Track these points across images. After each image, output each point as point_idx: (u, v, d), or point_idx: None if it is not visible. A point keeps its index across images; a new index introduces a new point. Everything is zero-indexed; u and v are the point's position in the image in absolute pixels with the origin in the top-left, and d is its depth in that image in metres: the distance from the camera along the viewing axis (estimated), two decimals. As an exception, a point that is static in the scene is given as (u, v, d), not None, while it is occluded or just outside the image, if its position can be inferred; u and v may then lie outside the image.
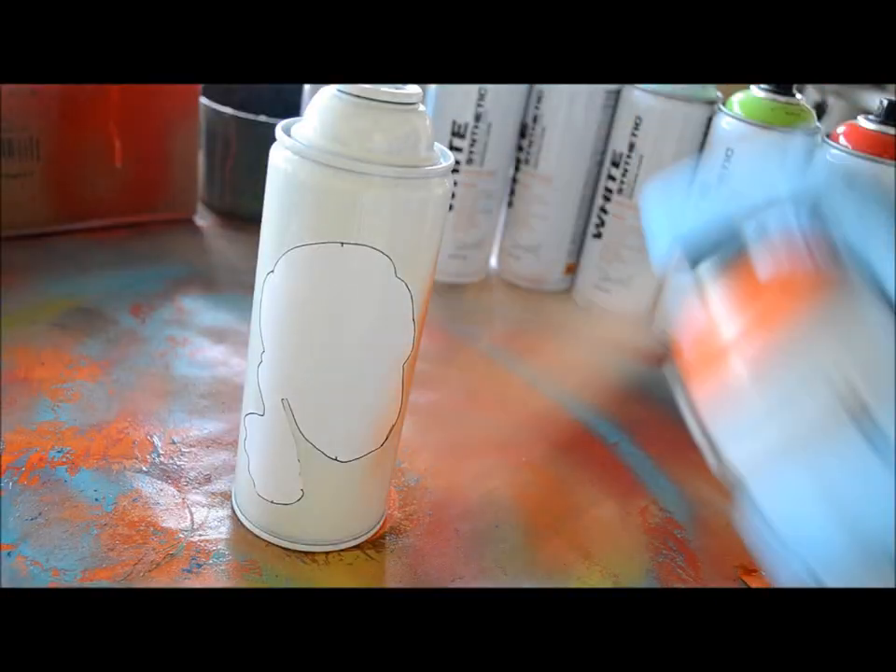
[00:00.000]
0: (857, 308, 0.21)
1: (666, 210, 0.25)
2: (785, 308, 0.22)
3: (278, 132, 0.32)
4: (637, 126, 0.64)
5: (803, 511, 0.22)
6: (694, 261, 0.25)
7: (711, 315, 0.24)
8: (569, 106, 0.65)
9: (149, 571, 0.35)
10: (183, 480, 0.41)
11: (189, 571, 0.36)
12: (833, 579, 0.21)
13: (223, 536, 0.38)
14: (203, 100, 0.71)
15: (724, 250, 0.24)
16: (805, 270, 0.23)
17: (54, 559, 0.35)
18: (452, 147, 0.65)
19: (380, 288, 0.33)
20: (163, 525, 0.38)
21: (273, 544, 0.38)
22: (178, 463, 0.42)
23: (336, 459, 0.36)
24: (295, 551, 0.38)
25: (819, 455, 0.22)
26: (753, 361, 0.22)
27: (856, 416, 0.21)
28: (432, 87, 0.65)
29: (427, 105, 0.64)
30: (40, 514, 0.37)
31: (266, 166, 0.33)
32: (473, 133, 0.65)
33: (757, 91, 0.59)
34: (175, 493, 0.40)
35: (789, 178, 0.23)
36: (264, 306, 0.34)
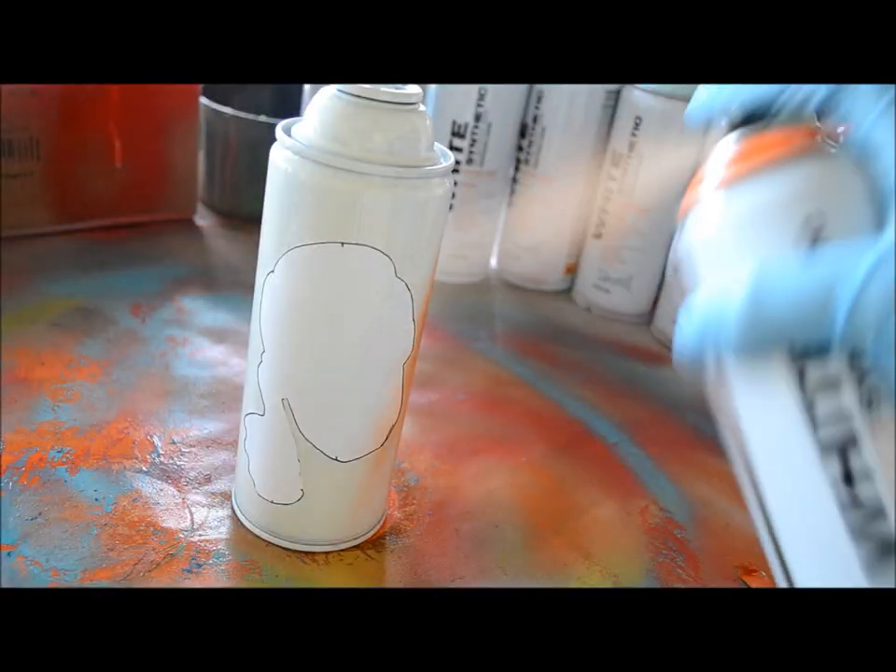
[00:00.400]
0: (841, 167, 0.24)
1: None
2: (770, 152, 0.24)
3: (278, 132, 0.32)
4: (636, 126, 0.64)
5: (727, 281, 0.23)
6: (733, 125, 0.26)
7: (711, 166, 0.25)
8: (569, 106, 0.65)
9: (149, 571, 0.35)
10: (183, 480, 0.41)
11: (189, 571, 0.36)
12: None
13: (223, 536, 0.38)
14: (203, 100, 0.71)
15: (753, 122, 0.26)
16: (806, 136, 0.25)
17: (54, 559, 0.35)
18: (452, 147, 0.65)
19: (380, 288, 0.33)
20: (163, 524, 0.38)
21: (273, 544, 0.38)
22: (178, 463, 0.42)
23: (336, 459, 0.36)
24: (295, 551, 0.38)
25: (764, 241, 0.23)
26: (729, 182, 0.24)
27: (815, 240, 0.23)
28: (432, 87, 0.65)
29: (427, 105, 0.64)
30: (40, 514, 0.37)
31: (266, 166, 0.33)
32: (473, 133, 0.65)
33: (757, 91, 0.59)
34: (175, 493, 0.40)
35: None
36: (264, 306, 0.34)
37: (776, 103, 0.26)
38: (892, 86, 0.24)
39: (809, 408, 0.22)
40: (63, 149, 0.61)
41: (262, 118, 0.70)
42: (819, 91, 0.25)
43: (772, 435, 0.23)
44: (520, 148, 0.69)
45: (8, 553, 0.34)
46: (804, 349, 0.22)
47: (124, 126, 0.64)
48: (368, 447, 0.36)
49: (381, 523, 0.40)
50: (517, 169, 0.70)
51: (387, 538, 0.40)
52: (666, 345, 0.66)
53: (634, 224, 0.66)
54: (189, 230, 0.71)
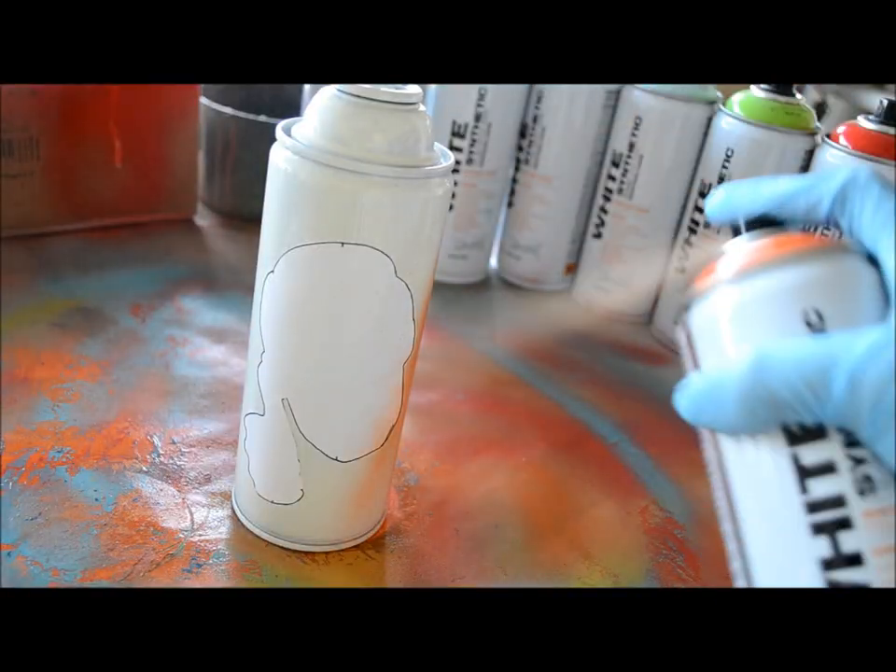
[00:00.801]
0: (847, 264, 0.24)
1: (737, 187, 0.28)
2: (780, 248, 0.25)
3: (278, 132, 0.32)
4: (636, 126, 0.64)
5: (726, 358, 0.25)
6: (737, 231, 0.27)
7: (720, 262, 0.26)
8: (569, 106, 0.65)
9: (149, 571, 0.35)
10: (183, 480, 0.41)
11: (189, 571, 0.36)
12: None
13: (223, 536, 0.38)
14: (203, 100, 0.71)
15: (765, 228, 0.26)
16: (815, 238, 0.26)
17: (54, 559, 0.35)
18: (452, 147, 0.65)
19: (380, 288, 0.33)
20: (163, 524, 0.38)
21: (273, 544, 0.38)
22: (178, 463, 0.42)
23: (336, 459, 0.36)
24: (295, 551, 0.38)
25: (762, 325, 0.24)
26: (735, 275, 0.25)
27: (811, 324, 0.23)
28: (432, 87, 0.65)
29: (427, 105, 0.64)
30: (40, 514, 0.37)
31: (266, 166, 0.33)
32: (473, 133, 0.65)
33: (757, 91, 0.59)
34: (175, 493, 0.40)
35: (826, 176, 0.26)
36: (264, 306, 0.34)
37: (788, 206, 0.26)
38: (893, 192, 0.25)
39: (805, 490, 0.22)
40: (63, 149, 0.61)
41: (262, 118, 0.70)
42: (827, 195, 0.25)
43: (765, 509, 0.24)
44: (520, 148, 0.69)
45: (8, 553, 0.34)
46: (799, 431, 0.23)
47: (124, 126, 0.64)
48: (368, 447, 0.36)
49: (381, 523, 0.40)
50: (517, 169, 0.70)
51: (387, 538, 0.40)
52: (666, 345, 0.66)
53: (634, 224, 0.66)
54: (189, 230, 0.71)
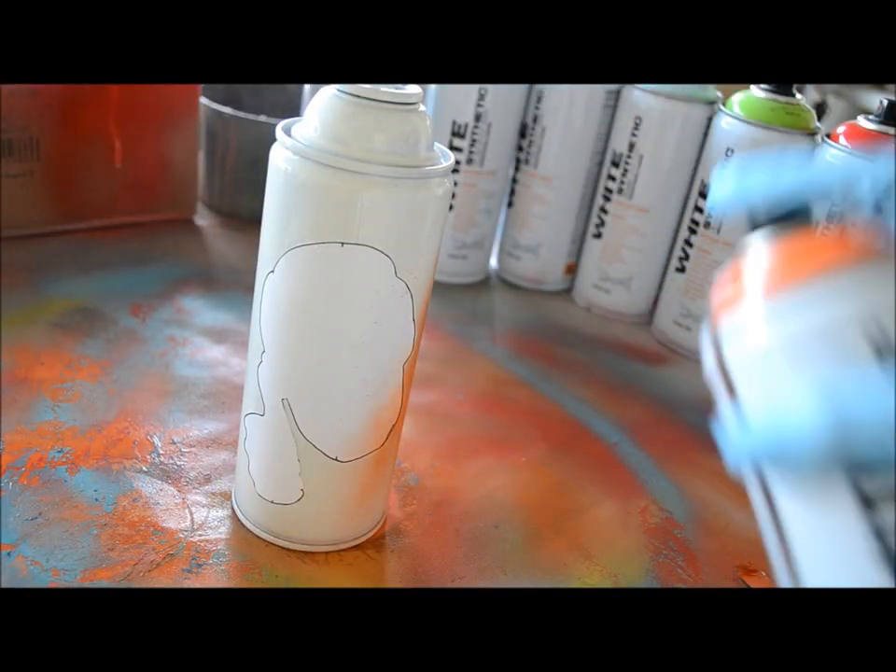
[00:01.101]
0: None
1: (745, 172, 0.24)
2: (821, 257, 0.22)
3: (278, 132, 0.32)
4: (636, 126, 0.64)
5: (788, 401, 0.21)
6: (756, 224, 0.24)
7: (746, 267, 0.24)
8: (569, 106, 0.65)
9: (149, 571, 0.35)
10: (183, 480, 0.41)
11: (189, 571, 0.36)
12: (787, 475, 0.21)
13: (223, 536, 0.38)
14: (203, 100, 0.71)
15: (789, 221, 0.24)
16: (856, 238, 0.23)
17: (54, 559, 0.35)
18: (452, 147, 0.65)
19: (380, 288, 0.33)
20: (163, 524, 0.38)
21: (273, 544, 0.38)
22: (178, 463, 0.42)
23: (336, 459, 0.36)
24: (295, 551, 0.38)
25: (824, 360, 0.21)
26: (773, 294, 0.22)
27: (881, 352, 0.20)
28: (432, 87, 0.65)
29: (427, 105, 0.64)
30: (40, 514, 0.37)
31: (266, 166, 0.33)
32: (473, 133, 0.65)
33: (757, 91, 0.59)
34: (175, 493, 0.40)
35: (869, 171, 0.23)
36: (264, 306, 0.34)
37: (819, 198, 0.24)
38: None
39: (868, 518, 0.20)
40: (63, 149, 0.61)
41: (262, 118, 0.70)
42: (872, 189, 0.22)
43: (825, 541, 0.22)
44: (520, 148, 0.69)
45: (8, 553, 0.34)
46: (862, 462, 0.20)
47: (124, 126, 0.64)
48: (368, 447, 0.36)
49: (381, 523, 0.40)
50: (517, 169, 0.70)
51: (387, 538, 0.40)
52: (666, 345, 0.66)
53: (634, 224, 0.66)
54: (189, 230, 0.71)
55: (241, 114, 0.70)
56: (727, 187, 0.24)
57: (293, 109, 0.78)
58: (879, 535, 0.20)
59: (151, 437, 0.44)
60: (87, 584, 0.34)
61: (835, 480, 0.21)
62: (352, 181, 0.31)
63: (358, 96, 0.31)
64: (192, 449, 0.43)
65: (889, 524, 0.20)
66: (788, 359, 0.22)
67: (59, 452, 0.41)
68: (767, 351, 0.22)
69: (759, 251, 0.24)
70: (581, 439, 0.51)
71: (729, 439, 0.22)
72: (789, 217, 0.24)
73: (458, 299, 0.67)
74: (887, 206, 0.22)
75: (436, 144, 0.34)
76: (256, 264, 0.35)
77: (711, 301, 0.24)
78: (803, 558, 0.22)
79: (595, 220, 0.68)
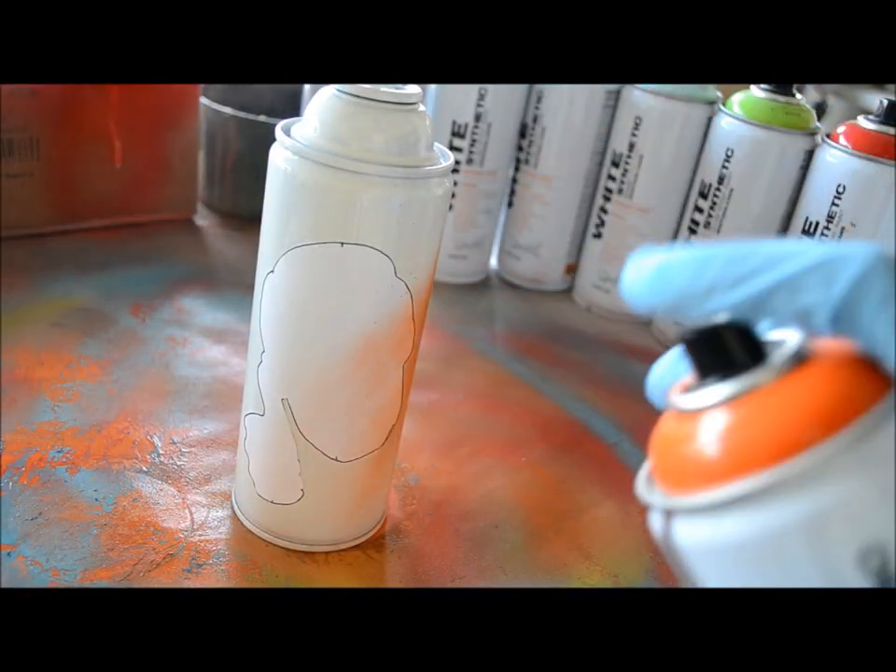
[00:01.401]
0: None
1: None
2: (799, 429, 0.16)
3: (278, 132, 0.32)
4: (637, 126, 0.64)
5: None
6: (700, 368, 0.18)
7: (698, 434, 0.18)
8: (569, 106, 0.65)
9: (149, 571, 0.35)
10: (183, 480, 0.41)
11: (189, 571, 0.36)
12: None
13: (223, 536, 0.38)
14: (203, 100, 0.71)
15: (737, 356, 0.17)
16: (843, 379, 0.17)
17: (54, 559, 0.35)
18: (452, 147, 0.65)
19: (380, 288, 0.33)
20: (163, 524, 0.38)
21: (273, 544, 0.38)
22: (178, 463, 0.42)
23: (336, 459, 0.36)
24: (295, 551, 0.38)
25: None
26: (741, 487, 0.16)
27: (884, 581, 0.16)
28: (432, 87, 0.65)
29: (427, 105, 0.64)
30: (40, 514, 0.37)
31: (266, 166, 0.33)
32: (473, 133, 0.65)
33: (757, 91, 0.59)
34: (175, 493, 0.40)
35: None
36: (264, 306, 0.34)
37: (759, 310, 0.17)
38: None
39: None
40: (63, 149, 0.61)
41: (262, 118, 0.70)
42: (826, 303, 0.16)
43: None
44: (520, 148, 0.69)
45: (8, 553, 0.34)
46: None
47: (124, 126, 0.64)
48: (368, 447, 0.36)
49: (381, 523, 0.40)
50: (517, 169, 0.70)
51: (387, 538, 0.40)
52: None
53: (634, 224, 0.66)
54: (189, 230, 0.71)
55: (241, 114, 0.70)
56: (642, 276, 0.19)
57: (293, 109, 0.78)
58: None
59: (151, 437, 0.44)
60: (87, 584, 0.34)
61: None
62: (351, 181, 0.31)
63: (358, 96, 0.31)
64: (192, 449, 0.43)
65: None
66: (750, 571, 0.17)
67: (59, 452, 0.41)
68: (717, 556, 0.18)
69: (707, 403, 0.17)
70: (581, 439, 0.51)
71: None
72: (727, 336, 0.17)
73: (458, 299, 0.67)
74: (847, 332, 0.16)
75: (436, 144, 0.34)
76: (256, 264, 0.35)
77: (652, 449, 0.19)
78: None
79: (594, 220, 0.68)
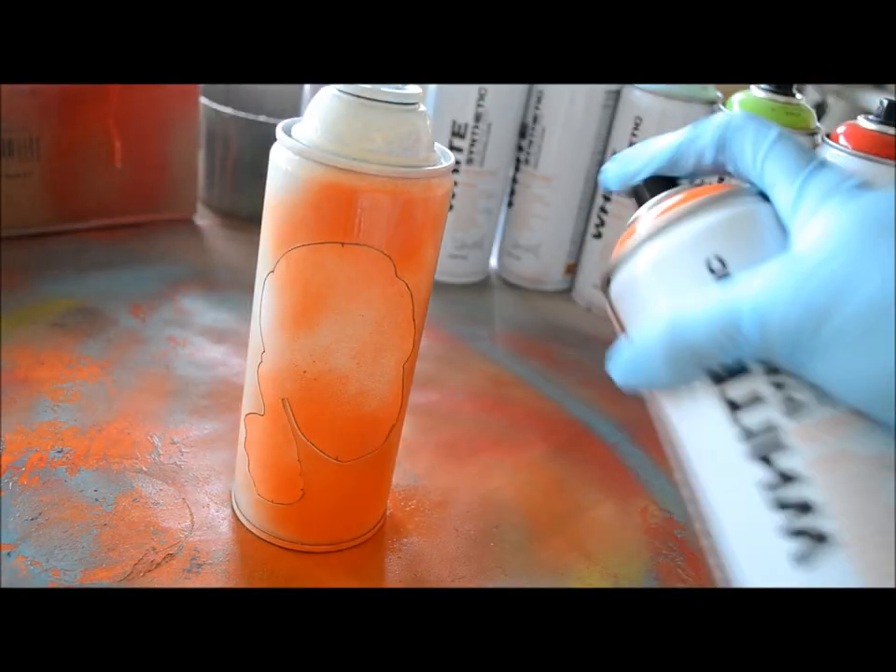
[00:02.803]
0: (744, 206, 0.25)
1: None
2: (683, 203, 0.26)
3: (278, 132, 0.32)
4: (636, 126, 0.64)
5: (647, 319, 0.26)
6: (637, 196, 0.29)
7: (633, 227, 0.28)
8: (569, 106, 0.65)
9: (149, 571, 0.35)
10: (183, 480, 0.41)
11: (189, 571, 0.36)
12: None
13: (223, 536, 0.38)
14: (203, 100, 0.71)
15: (660, 186, 0.28)
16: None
17: (54, 559, 0.35)
18: (452, 147, 0.65)
19: (380, 288, 0.33)
20: (163, 525, 0.38)
21: (273, 544, 0.38)
22: (178, 463, 0.42)
23: (336, 459, 0.36)
24: (295, 551, 0.38)
25: (670, 280, 0.26)
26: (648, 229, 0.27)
27: (713, 270, 0.25)
28: (432, 87, 0.65)
29: (427, 105, 0.64)
30: (40, 514, 0.37)
31: (266, 166, 0.33)
32: (473, 133, 0.65)
33: (757, 91, 0.59)
34: (175, 493, 0.40)
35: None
36: (264, 306, 0.34)
37: (678, 163, 0.28)
38: (772, 126, 0.26)
39: (736, 422, 0.24)
40: (63, 149, 0.61)
41: (262, 118, 0.70)
42: (710, 144, 0.27)
43: (705, 449, 0.25)
44: (520, 148, 0.69)
45: (8, 553, 0.34)
46: (724, 371, 0.24)
47: (124, 126, 0.64)
48: (368, 447, 0.36)
49: (381, 523, 0.40)
50: (517, 169, 0.70)
51: (387, 538, 0.40)
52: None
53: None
54: (189, 230, 0.71)
55: (241, 114, 0.70)
56: (611, 166, 0.30)
57: (293, 109, 0.78)
58: (747, 435, 0.24)
59: (151, 437, 0.44)
60: (87, 584, 0.34)
61: (702, 390, 0.24)
62: (352, 181, 0.31)
63: (359, 96, 0.31)
64: (192, 449, 0.43)
65: (755, 425, 0.23)
66: (649, 287, 0.26)
67: (59, 452, 0.41)
68: (636, 282, 0.27)
69: (641, 214, 0.28)
70: (581, 439, 0.51)
71: (612, 364, 0.26)
72: (663, 186, 0.28)
73: (458, 299, 0.67)
74: (726, 163, 0.26)
75: (436, 144, 0.34)
76: (256, 264, 0.35)
77: (607, 265, 0.28)
78: (691, 467, 0.26)
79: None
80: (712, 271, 0.25)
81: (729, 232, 0.25)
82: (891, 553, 0.21)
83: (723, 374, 0.24)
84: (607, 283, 0.28)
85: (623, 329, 0.28)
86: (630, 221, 0.28)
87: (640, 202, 0.29)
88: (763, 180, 0.25)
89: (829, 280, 0.21)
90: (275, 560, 0.37)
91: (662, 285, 0.26)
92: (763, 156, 0.25)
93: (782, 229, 0.25)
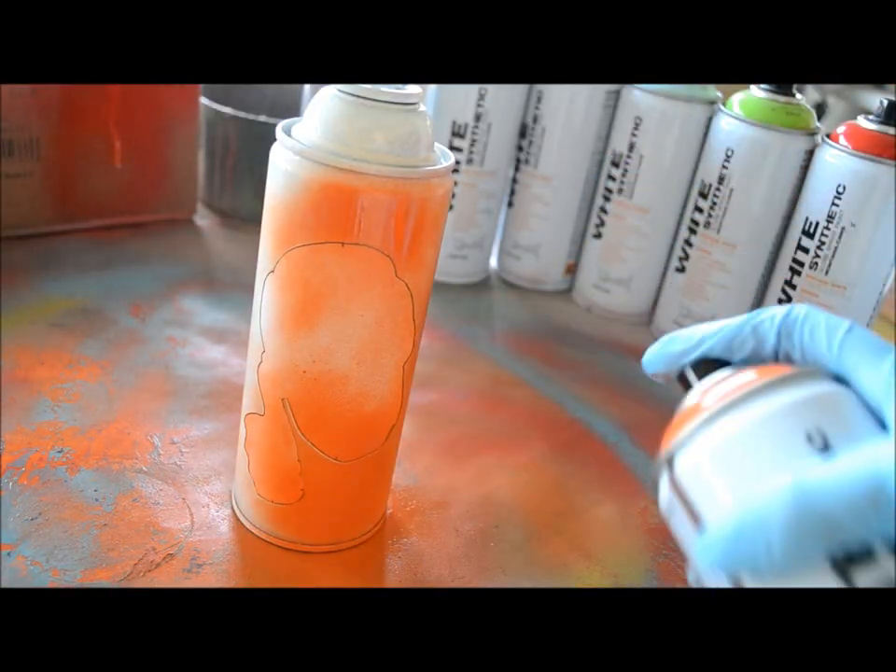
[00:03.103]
0: (824, 383, 0.25)
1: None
2: (754, 382, 0.25)
3: (278, 132, 0.32)
4: (636, 126, 0.64)
5: (746, 494, 0.23)
6: (684, 382, 0.29)
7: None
8: (569, 106, 0.65)
9: (149, 571, 0.35)
10: (183, 480, 0.41)
11: (189, 571, 0.36)
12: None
13: (223, 536, 0.38)
14: (203, 100, 0.71)
15: (711, 369, 0.27)
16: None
17: (54, 559, 0.35)
18: (452, 147, 0.65)
19: (380, 288, 0.33)
20: (163, 525, 0.38)
21: (273, 544, 0.38)
22: (178, 463, 0.42)
23: (336, 459, 0.36)
24: (295, 551, 0.38)
25: (767, 450, 0.24)
26: (713, 406, 0.25)
27: (812, 440, 0.23)
28: (432, 87, 0.65)
29: (427, 105, 0.64)
30: (40, 514, 0.37)
31: (266, 166, 0.33)
32: (473, 133, 0.65)
33: (757, 91, 0.59)
34: (175, 493, 0.40)
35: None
36: (264, 306, 0.34)
37: (734, 347, 0.28)
38: (841, 318, 0.26)
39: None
40: (63, 149, 0.61)
41: (262, 118, 0.70)
42: (771, 331, 0.27)
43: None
44: (520, 148, 0.69)
45: (8, 553, 0.34)
46: (845, 558, 0.21)
47: (124, 126, 0.64)
48: (367, 447, 0.36)
49: (381, 523, 0.40)
50: (517, 169, 0.70)
51: (387, 538, 0.40)
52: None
53: (634, 224, 0.66)
54: (189, 230, 0.71)
55: (241, 114, 0.70)
56: (654, 348, 0.29)
57: (293, 109, 0.78)
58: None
59: (151, 437, 0.44)
60: (87, 584, 0.34)
61: (820, 577, 0.22)
62: (352, 181, 0.31)
63: (359, 96, 0.31)
64: (192, 449, 0.43)
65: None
66: (734, 459, 0.24)
67: (59, 452, 0.41)
68: (712, 456, 0.24)
69: (699, 393, 0.26)
70: (581, 439, 0.51)
71: (705, 545, 0.23)
72: (709, 367, 0.27)
73: (458, 299, 0.67)
74: (790, 349, 0.26)
75: (436, 144, 0.34)
76: (256, 264, 0.35)
77: (666, 449, 0.26)
78: None
79: (594, 220, 0.68)
80: (810, 439, 0.23)
81: (824, 407, 0.24)
82: None
83: (845, 561, 0.21)
84: (668, 466, 0.26)
85: (695, 516, 0.25)
86: (688, 403, 0.27)
87: (686, 382, 0.28)
88: (843, 365, 0.25)
89: None
90: (275, 560, 0.37)
91: (755, 457, 0.23)
92: (840, 342, 0.25)
93: (867, 408, 0.24)
